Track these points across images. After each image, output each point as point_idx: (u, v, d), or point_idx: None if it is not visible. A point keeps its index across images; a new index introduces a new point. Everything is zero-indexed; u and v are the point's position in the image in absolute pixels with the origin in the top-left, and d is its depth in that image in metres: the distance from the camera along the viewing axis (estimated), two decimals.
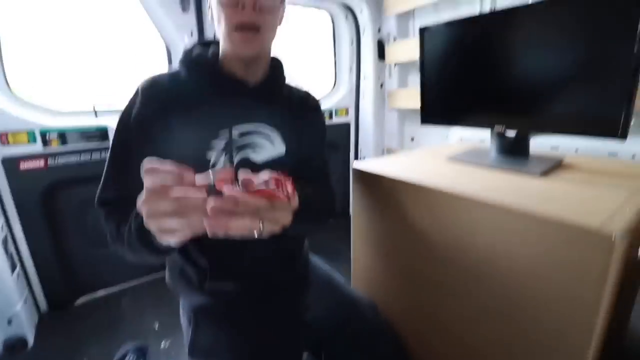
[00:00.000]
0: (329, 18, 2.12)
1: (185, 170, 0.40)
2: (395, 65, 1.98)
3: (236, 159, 0.72)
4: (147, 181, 0.40)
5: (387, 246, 0.95)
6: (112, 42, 1.60)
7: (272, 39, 0.73)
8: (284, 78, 0.82)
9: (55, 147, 1.43)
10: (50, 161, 1.43)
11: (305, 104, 0.86)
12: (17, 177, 1.36)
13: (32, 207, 1.42)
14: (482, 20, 0.93)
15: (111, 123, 1.51)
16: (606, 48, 0.72)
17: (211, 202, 0.38)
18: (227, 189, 0.39)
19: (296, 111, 0.82)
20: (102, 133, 1.50)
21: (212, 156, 0.69)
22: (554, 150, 1.26)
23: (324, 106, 2.15)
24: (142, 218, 0.44)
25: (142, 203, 0.40)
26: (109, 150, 0.69)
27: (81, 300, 1.61)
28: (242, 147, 0.72)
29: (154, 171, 0.40)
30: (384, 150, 2.19)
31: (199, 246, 0.74)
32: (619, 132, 0.73)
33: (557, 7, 0.78)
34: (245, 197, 0.39)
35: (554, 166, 0.88)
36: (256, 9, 0.63)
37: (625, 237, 0.50)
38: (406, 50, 1.83)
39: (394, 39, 1.93)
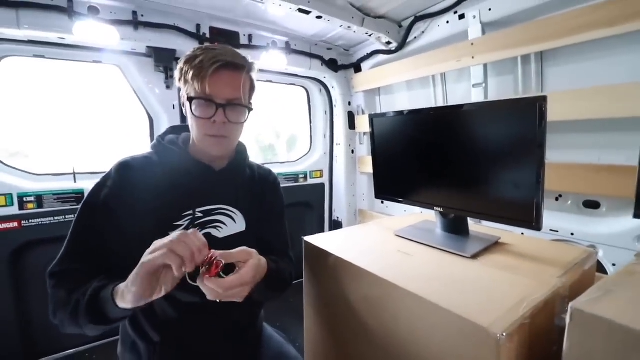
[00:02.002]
0: (305, 92, 2.34)
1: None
2: (365, 134, 2.15)
3: None
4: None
5: (333, 320, 0.98)
6: (97, 108, 1.74)
7: (238, 138, 0.84)
8: (247, 160, 0.92)
9: (31, 209, 1.48)
10: (24, 222, 1.47)
11: (266, 183, 0.95)
12: None
13: (0, 266, 1.43)
14: (422, 114, 1.05)
15: (88, 186, 1.59)
16: (519, 149, 0.83)
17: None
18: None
19: (258, 190, 0.91)
20: (78, 196, 1.57)
21: None
22: None
23: (300, 167, 2.27)
24: (99, 287, 0.61)
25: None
26: (72, 227, 0.72)
27: None
28: (205, 224, 0.79)
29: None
30: (356, 211, 2.28)
31: (152, 320, 0.76)
32: (534, 224, 0.82)
33: (482, 110, 0.91)
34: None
35: (487, 248, 0.94)
36: (226, 123, 0.74)
37: (512, 338, 0.55)
38: None
39: (363, 112, 2.12)
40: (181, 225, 0.76)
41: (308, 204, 2.34)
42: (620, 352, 0.48)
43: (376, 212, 2.16)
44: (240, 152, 0.90)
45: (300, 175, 2.24)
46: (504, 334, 0.55)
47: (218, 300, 0.59)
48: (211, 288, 0.57)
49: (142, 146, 1.75)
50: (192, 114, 0.73)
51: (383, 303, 0.78)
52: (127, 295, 0.57)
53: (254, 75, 0.81)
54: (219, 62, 0.71)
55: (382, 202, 2.13)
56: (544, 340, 0.66)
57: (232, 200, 0.84)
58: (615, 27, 1.04)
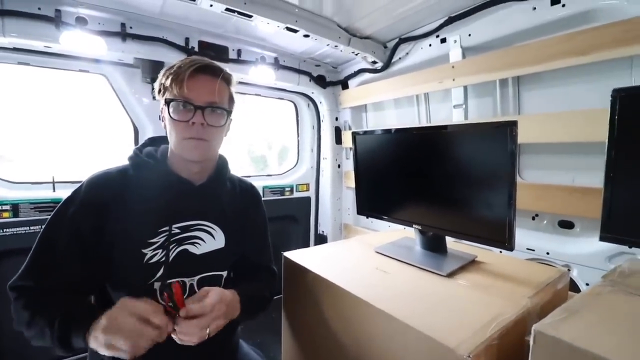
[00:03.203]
0: (293, 106, 2.38)
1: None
2: (350, 149, 2.18)
3: (175, 252, 0.76)
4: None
5: (310, 338, 0.97)
6: (83, 117, 1.73)
7: (219, 146, 0.84)
8: (228, 174, 0.91)
9: (6, 218, 1.44)
10: None
11: (248, 197, 0.95)
12: None
13: None
14: (401, 133, 1.08)
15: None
16: (493, 171, 0.85)
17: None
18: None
19: (239, 205, 0.90)
20: (57, 206, 1.53)
21: (148, 252, 0.73)
22: None
23: (287, 181, 2.28)
24: (65, 323, 0.61)
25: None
26: (37, 240, 0.71)
27: None
28: (182, 241, 0.77)
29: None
30: (342, 225, 2.28)
31: None
32: (506, 244, 0.84)
33: (458, 132, 0.94)
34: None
35: (462, 266, 0.96)
36: (205, 126, 0.74)
37: (477, 359, 0.56)
38: None
39: (349, 127, 2.15)
40: (156, 242, 0.74)
41: (294, 218, 2.34)
42: None
43: (361, 227, 2.17)
44: (221, 165, 0.89)
45: (287, 189, 2.24)
46: (470, 356, 0.55)
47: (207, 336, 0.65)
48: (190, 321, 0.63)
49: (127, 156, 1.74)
50: (170, 116, 0.73)
51: (359, 322, 0.78)
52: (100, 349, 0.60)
53: (233, 88, 0.82)
54: (196, 65, 0.73)
55: (367, 217, 2.15)
56: None
57: (211, 216, 0.83)
58: (586, 55, 1.10)
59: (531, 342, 0.54)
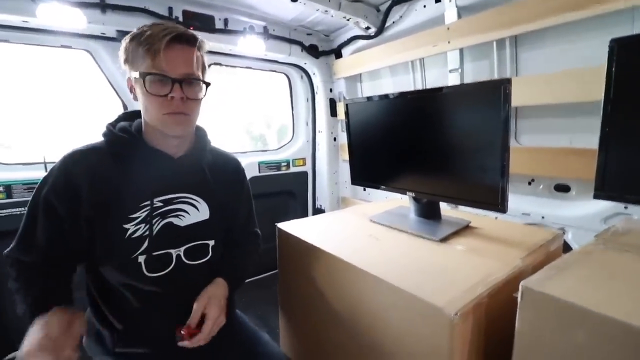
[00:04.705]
0: (286, 79, 2.31)
1: None
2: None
3: (159, 226, 0.76)
4: None
5: (303, 305, 0.99)
6: (68, 95, 1.69)
7: (197, 117, 0.80)
8: (208, 145, 0.88)
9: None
10: None
11: (231, 171, 0.93)
12: None
13: None
14: (392, 99, 1.04)
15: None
16: (486, 133, 0.83)
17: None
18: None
19: (222, 178, 0.88)
20: None
21: (131, 227, 0.73)
22: None
23: (283, 156, 2.26)
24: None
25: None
26: (24, 218, 0.71)
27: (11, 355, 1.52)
28: (165, 214, 0.77)
29: None
30: (339, 199, 2.28)
31: (115, 309, 0.76)
32: (499, 206, 0.83)
33: (450, 94, 0.91)
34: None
35: (456, 232, 0.96)
36: (184, 100, 0.71)
37: (466, 317, 0.56)
38: None
39: (344, 99, 2.10)
40: (138, 217, 0.73)
41: (291, 193, 2.33)
42: (567, 328, 0.49)
43: (359, 200, 2.17)
44: (201, 137, 0.87)
45: (283, 164, 2.22)
46: (457, 314, 0.56)
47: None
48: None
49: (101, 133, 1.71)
50: (147, 91, 0.69)
51: (351, 287, 0.78)
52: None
53: (205, 55, 0.78)
54: (171, 34, 0.68)
55: (364, 189, 2.14)
56: (505, 319, 0.67)
57: (194, 188, 0.81)
58: (585, 9, 1.04)
59: (519, 299, 0.54)
